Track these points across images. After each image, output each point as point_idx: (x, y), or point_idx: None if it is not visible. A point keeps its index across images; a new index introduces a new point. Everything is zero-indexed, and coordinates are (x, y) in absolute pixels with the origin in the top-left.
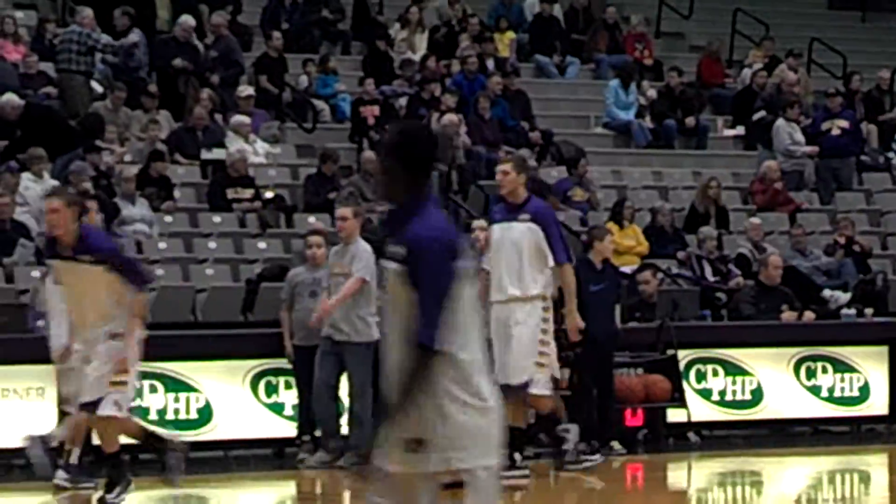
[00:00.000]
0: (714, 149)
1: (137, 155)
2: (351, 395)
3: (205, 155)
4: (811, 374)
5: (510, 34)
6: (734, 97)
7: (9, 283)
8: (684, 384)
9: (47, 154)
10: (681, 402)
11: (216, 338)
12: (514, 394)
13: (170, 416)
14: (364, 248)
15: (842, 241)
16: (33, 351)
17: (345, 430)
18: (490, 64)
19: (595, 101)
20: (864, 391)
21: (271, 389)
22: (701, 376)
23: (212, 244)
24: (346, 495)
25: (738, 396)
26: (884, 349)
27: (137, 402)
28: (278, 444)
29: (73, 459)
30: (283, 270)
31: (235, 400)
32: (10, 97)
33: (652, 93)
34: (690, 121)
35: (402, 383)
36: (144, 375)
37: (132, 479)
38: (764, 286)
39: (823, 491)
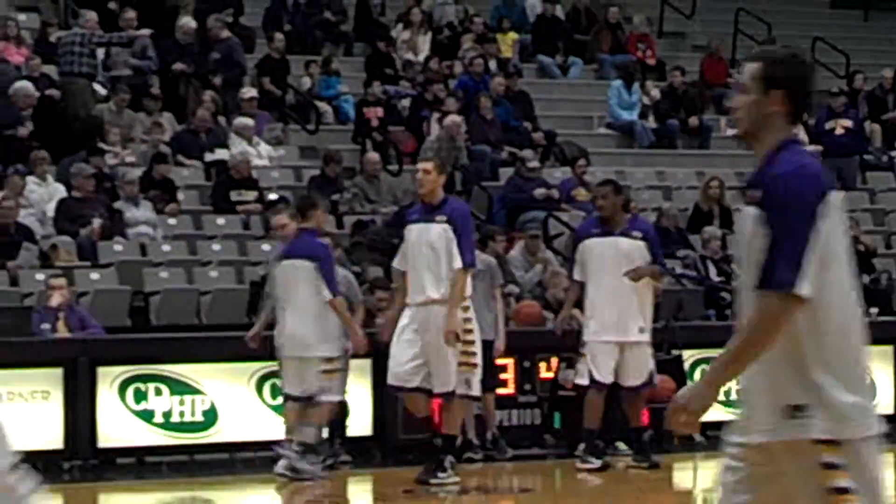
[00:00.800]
0: (717, 148)
1: (141, 157)
2: None
3: (207, 157)
4: None
5: (513, 35)
6: None
7: (13, 286)
8: (689, 384)
9: (51, 156)
10: None
11: (221, 340)
12: (448, 399)
13: (175, 418)
14: None
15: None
16: (38, 354)
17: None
18: (493, 65)
19: (598, 102)
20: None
21: (276, 392)
22: None
23: (216, 246)
24: (351, 498)
25: None
26: (888, 349)
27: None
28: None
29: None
30: None
31: (240, 402)
32: (24, 85)
33: (655, 93)
34: (693, 121)
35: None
36: (150, 378)
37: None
38: None
39: None
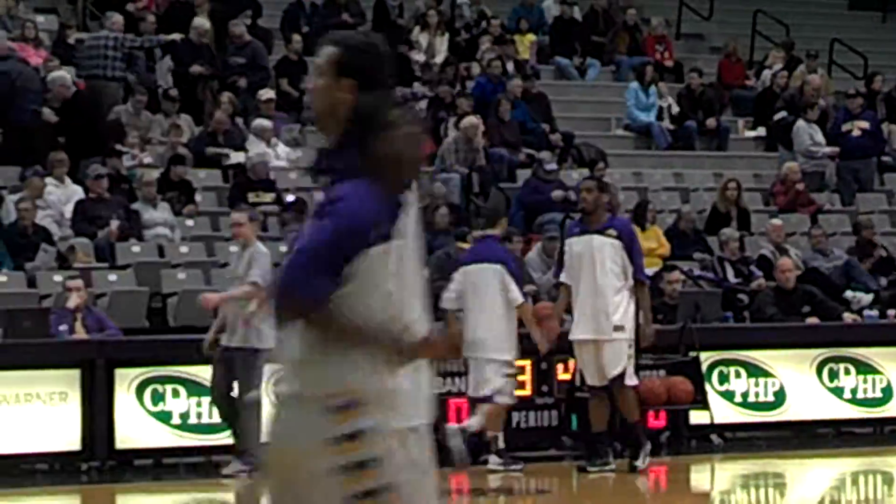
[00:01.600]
0: (735, 150)
1: (158, 159)
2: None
3: (225, 160)
4: (834, 375)
5: (530, 36)
6: (755, 98)
7: (31, 287)
8: (707, 386)
9: (70, 158)
10: (703, 404)
11: None
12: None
13: (192, 420)
14: (262, 252)
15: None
16: (56, 356)
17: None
18: (510, 66)
19: (615, 103)
20: (887, 392)
21: None
22: (723, 378)
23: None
24: None
25: (761, 398)
26: None
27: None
28: None
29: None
30: None
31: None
32: (63, 73)
33: (671, 96)
34: (711, 122)
35: None
36: (167, 380)
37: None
38: (782, 289)
39: (846, 492)
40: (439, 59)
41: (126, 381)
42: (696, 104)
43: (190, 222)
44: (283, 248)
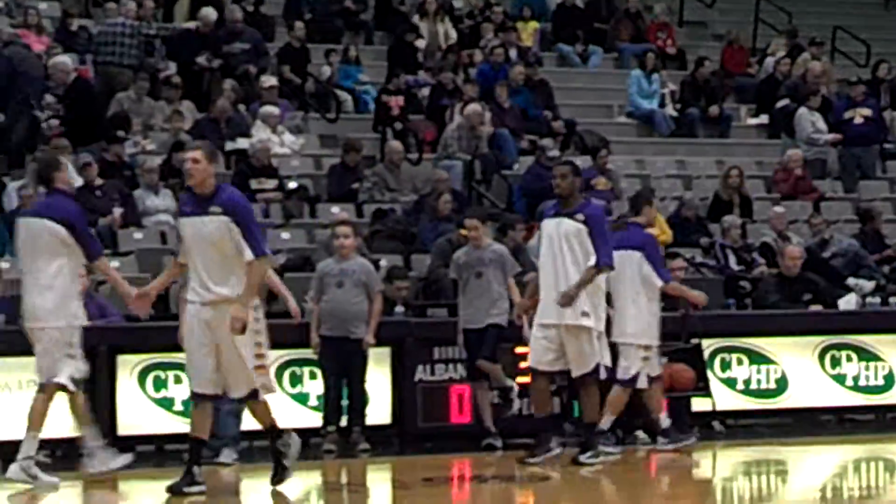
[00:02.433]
0: (737, 137)
1: (161, 146)
2: None
3: (229, 146)
4: (836, 362)
5: (533, 24)
6: (757, 86)
7: None
8: (709, 373)
9: (73, 145)
10: (705, 391)
11: None
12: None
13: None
14: None
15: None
16: None
17: None
18: (513, 53)
19: (618, 90)
20: (889, 379)
21: (296, 380)
22: (725, 365)
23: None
24: (370, 486)
25: (763, 385)
26: None
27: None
28: (303, 435)
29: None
30: (306, 261)
31: None
32: (64, 59)
33: (673, 84)
34: (714, 109)
35: None
36: (169, 366)
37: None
38: (785, 276)
39: (849, 479)
40: (441, 46)
41: (128, 367)
42: (699, 91)
43: None
44: (285, 236)
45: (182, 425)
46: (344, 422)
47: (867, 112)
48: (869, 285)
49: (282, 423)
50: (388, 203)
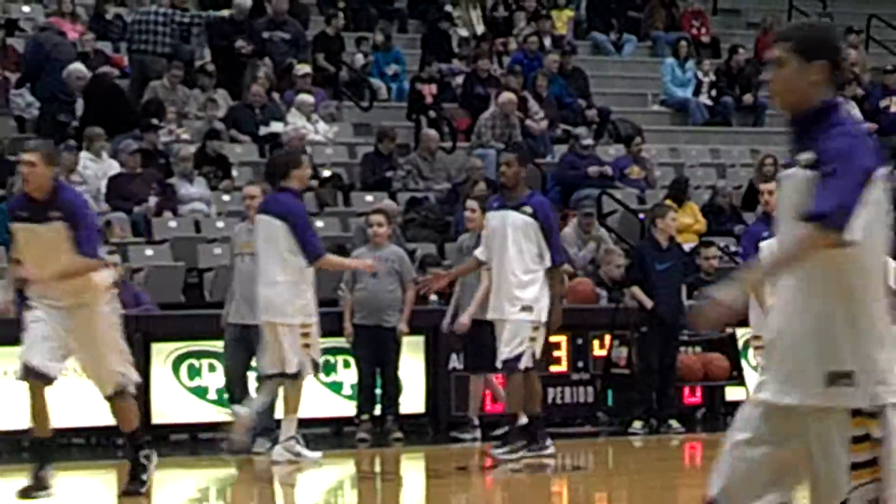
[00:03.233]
0: (772, 126)
1: (195, 134)
2: None
3: (263, 130)
4: None
5: (568, 12)
6: None
7: None
8: (743, 362)
9: (107, 133)
10: (739, 380)
11: None
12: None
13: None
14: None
15: None
16: None
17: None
18: (547, 42)
19: (652, 79)
20: None
21: (330, 368)
22: None
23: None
24: (403, 475)
25: None
26: None
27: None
28: (337, 423)
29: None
30: (340, 249)
31: None
32: (77, 67)
33: (710, 71)
34: (748, 98)
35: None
36: (203, 354)
37: None
38: None
39: None
40: (476, 33)
41: (162, 355)
42: (733, 80)
43: (226, 197)
44: (319, 224)
45: (216, 414)
46: (377, 410)
47: None
48: None
49: (318, 412)
50: (422, 191)
